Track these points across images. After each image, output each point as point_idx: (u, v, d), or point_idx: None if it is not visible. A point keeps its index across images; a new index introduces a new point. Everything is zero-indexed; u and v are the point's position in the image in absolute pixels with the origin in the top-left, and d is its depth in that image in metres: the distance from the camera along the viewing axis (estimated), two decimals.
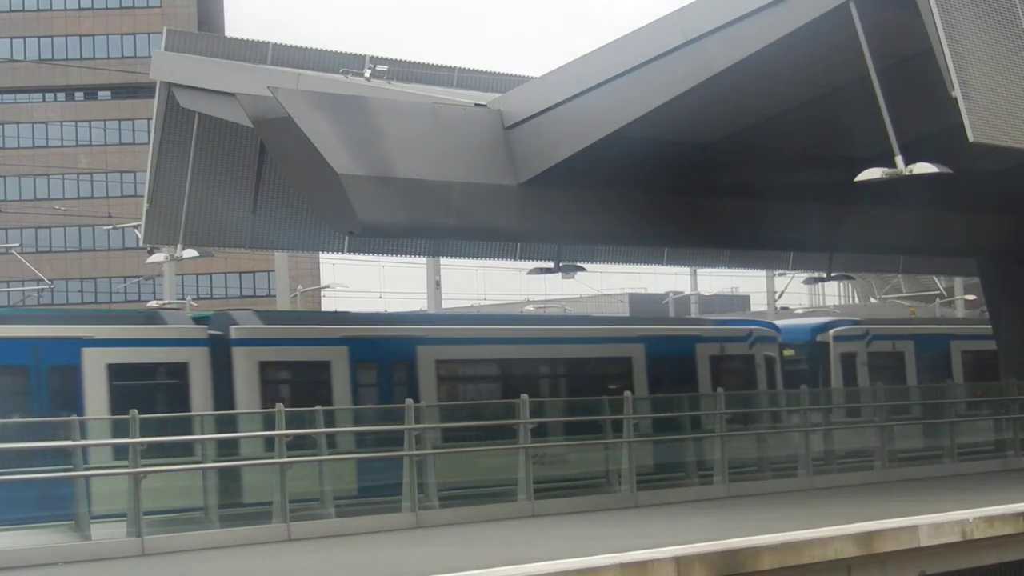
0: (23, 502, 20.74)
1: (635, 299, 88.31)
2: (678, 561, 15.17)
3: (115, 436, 21.34)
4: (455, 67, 30.44)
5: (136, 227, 36.50)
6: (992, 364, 38.99)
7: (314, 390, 27.32)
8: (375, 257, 36.22)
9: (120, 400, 24.96)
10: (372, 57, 28.86)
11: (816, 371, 37.39)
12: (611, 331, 35.22)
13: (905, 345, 39.94)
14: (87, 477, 20.04)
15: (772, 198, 30.13)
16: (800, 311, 69.06)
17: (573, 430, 26.78)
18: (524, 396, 24.65)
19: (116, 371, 26.11)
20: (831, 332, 38.40)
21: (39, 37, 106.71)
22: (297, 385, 28.49)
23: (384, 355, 29.37)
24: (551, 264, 33.63)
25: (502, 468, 24.35)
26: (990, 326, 39.02)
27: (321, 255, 62.95)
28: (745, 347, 35.56)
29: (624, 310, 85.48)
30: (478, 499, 23.84)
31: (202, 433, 22.14)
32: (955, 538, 18.28)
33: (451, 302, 59.19)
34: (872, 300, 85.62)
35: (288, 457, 21.44)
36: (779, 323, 40.51)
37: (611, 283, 78.77)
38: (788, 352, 37.20)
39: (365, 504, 23.10)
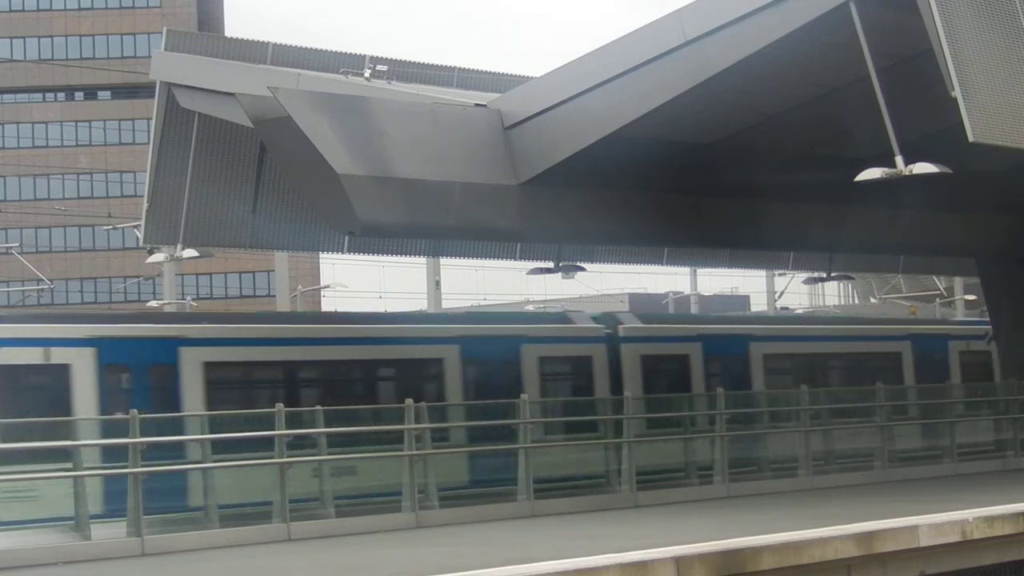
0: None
1: (635, 299, 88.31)
2: (678, 561, 15.17)
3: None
4: (455, 67, 30.45)
5: (136, 227, 36.51)
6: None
7: None
8: (375, 257, 36.26)
9: None
10: (372, 57, 28.86)
11: None
12: None
13: (75, 354, 25.82)
14: (89, 477, 20.05)
15: (772, 198, 30.12)
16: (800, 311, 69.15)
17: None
18: (524, 396, 24.66)
19: None
20: None
21: (39, 37, 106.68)
22: None
23: None
24: (551, 264, 33.65)
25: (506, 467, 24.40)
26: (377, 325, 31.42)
27: (321, 255, 63.07)
28: None
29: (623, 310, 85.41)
30: (478, 499, 23.86)
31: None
32: (955, 538, 18.29)
33: (451, 302, 59.18)
34: (872, 300, 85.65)
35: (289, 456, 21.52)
36: None
37: (611, 283, 78.76)
38: None
39: (365, 504, 23.11)
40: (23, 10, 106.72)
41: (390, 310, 61.91)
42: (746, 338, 35.03)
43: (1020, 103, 21.95)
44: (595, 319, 33.38)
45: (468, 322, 32.64)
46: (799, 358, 35.95)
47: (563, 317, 35.09)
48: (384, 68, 28.32)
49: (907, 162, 23.09)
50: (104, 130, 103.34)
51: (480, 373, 30.36)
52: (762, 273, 62.40)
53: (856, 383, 34.12)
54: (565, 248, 33.52)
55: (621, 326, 32.73)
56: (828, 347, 37.02)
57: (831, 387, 32.87)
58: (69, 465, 19.94)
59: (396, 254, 33.56)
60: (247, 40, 29.19)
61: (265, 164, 29.67)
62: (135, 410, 20.54)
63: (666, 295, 78.28)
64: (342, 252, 33.07)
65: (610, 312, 35.25)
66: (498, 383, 29.82)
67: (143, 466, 20.07)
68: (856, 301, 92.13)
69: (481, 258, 35.19)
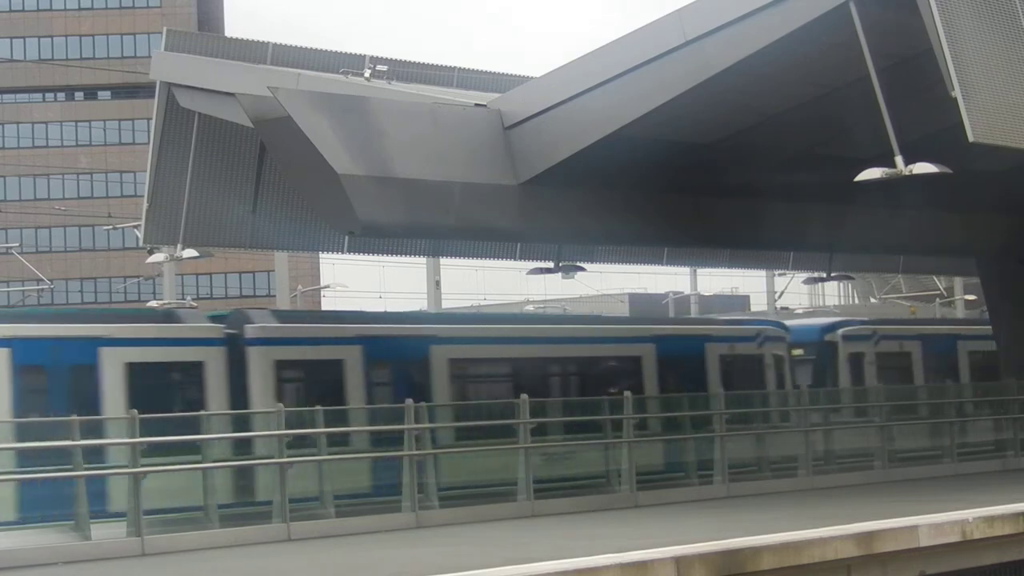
0: None
1: (635, 299, 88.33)
2: (678, 561, 15.17)
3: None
4: (455, 67, 30.45)
5: (136, 227, 36.50)
6: None
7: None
8: (375, 257, 36.25)
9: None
10: (372, 57, 28.87)
11: None
12: None
13: None
14: (90, 477, 20.06)
15: (772, 198, 30.13)
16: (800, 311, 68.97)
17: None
18: (524, 396, 24.66)
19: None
20: None
21: (39, 37, 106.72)
22: None
23: None
24: (551, 264, 33.63)
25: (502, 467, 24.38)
26: None
27: (321, 255, 63.06)
28: None
29: (624, 310, 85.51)
30: (478, 499, 23.85)
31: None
32: (955, 538, 18.29)
33: (451, 302, 59.19)
34: (872, 300, 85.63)
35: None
36: None
37: (611, 283, 78.79)
38: None
39: (365, 504, 23.11)
40: (23, 10, 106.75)
41: (389, 310, 61.96)
42: (425, 340, 29.83)
43: (1020, 103, 21.95)
44: (215, 317, 28.69)
45: (26, 321, 27.13)
46: (499, 363, 31.19)
47: (168, 315, 30.21)
48: (384, 68, 28.32)
49: (907, 162, 23.09)
50: (104, 130, 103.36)
51: (37, 382, 25.14)
52: (762, 273, 62.37)
53: (579, 393, 30.33)
54: (565, 248, 33.51)
55: (249, 325, 27.69)
56: (540, 351, 31.70)
57: (545, 398, 27.78)
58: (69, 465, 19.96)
59: (396, 254, 33.56)
60: (247, 40, 29.20)
61: (265, 164, 29.67)
62: (135, 410, 20.56)
63: (666, 295, 78.31)
64: (342, 252, 33.07)
65: (240, 309, 29.81)
66: (65, 395, 24.98)
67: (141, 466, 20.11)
68: (856, 301, 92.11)
69: (481, 258, 35.18)
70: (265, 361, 27.32)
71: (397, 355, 29.34)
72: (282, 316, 30.30)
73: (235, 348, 27.19)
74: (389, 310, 51.37)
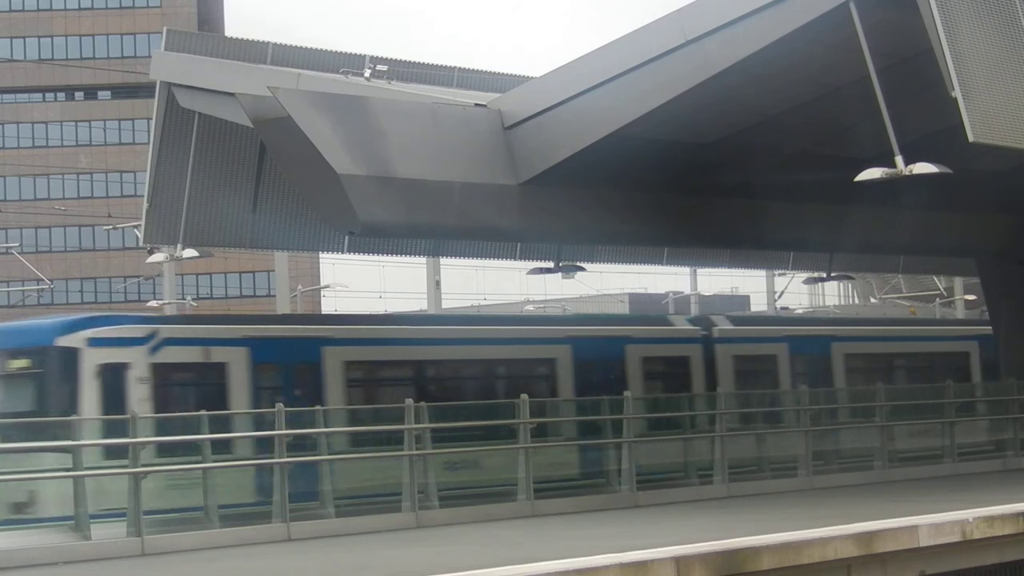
0: None
1: (635, 299, 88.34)
2: (678, 561, 15.17)
3: None
4: (455, 67, 30.45)
5: (136, 227, 36.49)
6: None
7: None
8: (375, 257, 36.26)
9: None
10: (372, 57, 28.88)
11: None
12: None
13: None
14: (91, 476, 20.06)
15: (772, 198, 30.14)
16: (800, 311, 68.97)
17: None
18: (524, 396, 24.63)
19: None
20: None
21: (39, 37, 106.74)
22: None
23: None
24: (551, 264, 33.64)
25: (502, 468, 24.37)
26: None
27: (321, 255, 63.05)
28: None
29: (624, 310, 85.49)
30: (478, 499, 23.85)
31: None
32: (955, 538, 18.28)
33: (451, 302, 59.18)
34: (872, 300, 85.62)
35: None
36: None
37: (611, 283, 78.81)
38: None
39: (365, 504, 23.11)
40: (23, 10, 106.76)
41: (389, 310, 61.93)
42: None
43: (1020, 103, 21.96)
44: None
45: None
46: None
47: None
48: (384, 68, 28.33)
49: (907, 162, 23.10)
50: (104, 130, 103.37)
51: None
52: (762, 273, 62.40)
53: None
54: (565, 248, 33.51)
55: None
56: None
57: None
58: (69, 465, 19.96)
59: (396, 254, 33.56)
60: (247, 40, 29.19)
61: (265, 164, 29.66)
62: (135, 410, 20.58)
63: (666, 295, 78.33)
64: (342, 252, 33.07)
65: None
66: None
67: (144, 465, 20.13)
68: (856, 301, 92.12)
69: (481, 258, 35.18)
70: None
71: None
72: None
73: None
74: None
